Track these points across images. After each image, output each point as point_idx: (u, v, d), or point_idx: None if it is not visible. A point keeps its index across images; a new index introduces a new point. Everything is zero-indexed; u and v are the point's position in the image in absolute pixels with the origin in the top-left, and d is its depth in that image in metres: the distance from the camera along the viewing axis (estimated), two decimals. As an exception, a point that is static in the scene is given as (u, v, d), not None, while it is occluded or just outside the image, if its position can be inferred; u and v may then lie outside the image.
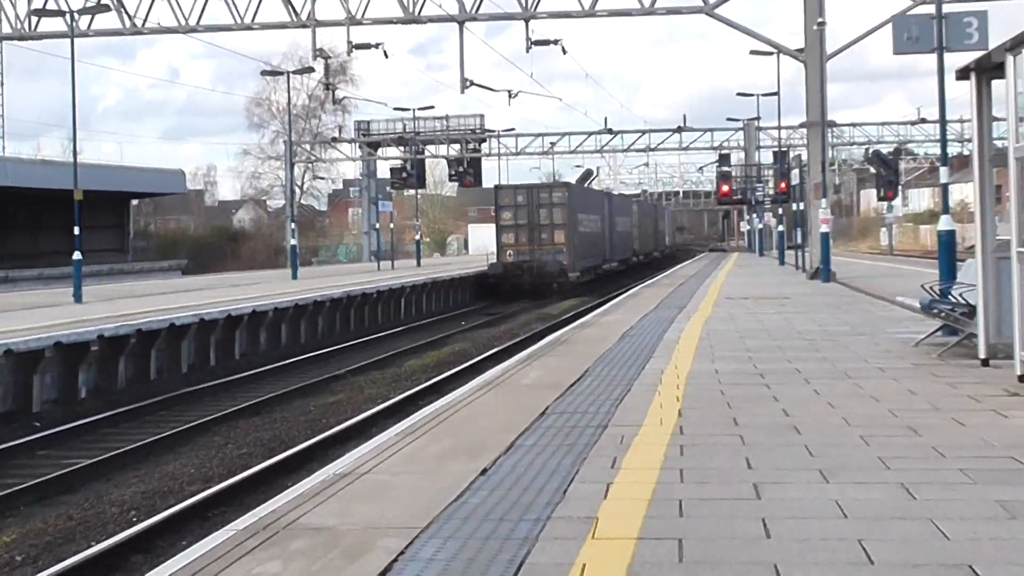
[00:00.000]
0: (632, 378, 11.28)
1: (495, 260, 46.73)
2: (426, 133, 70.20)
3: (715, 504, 6.10)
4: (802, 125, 38.93)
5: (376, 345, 27.64)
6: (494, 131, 70.04)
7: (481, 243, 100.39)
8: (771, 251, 61.24)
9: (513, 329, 30.75)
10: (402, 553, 5.38)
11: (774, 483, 6.52)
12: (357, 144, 74.31)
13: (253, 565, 5.32)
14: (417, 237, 60.68)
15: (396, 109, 62.78)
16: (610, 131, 68.75)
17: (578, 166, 79.73)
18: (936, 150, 77.41)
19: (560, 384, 10.96)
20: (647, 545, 5.37)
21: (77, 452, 14.76)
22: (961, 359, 11.89)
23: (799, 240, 38.38)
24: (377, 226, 59.95)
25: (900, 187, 58.99)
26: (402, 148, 68.08)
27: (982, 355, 11.20)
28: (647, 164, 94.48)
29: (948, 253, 15.15)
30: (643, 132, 70.20)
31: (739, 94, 57.63)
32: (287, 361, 23.92)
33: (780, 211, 52.65)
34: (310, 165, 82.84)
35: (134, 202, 67.87)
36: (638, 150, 71.59)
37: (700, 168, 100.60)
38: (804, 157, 36.82)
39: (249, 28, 36.11)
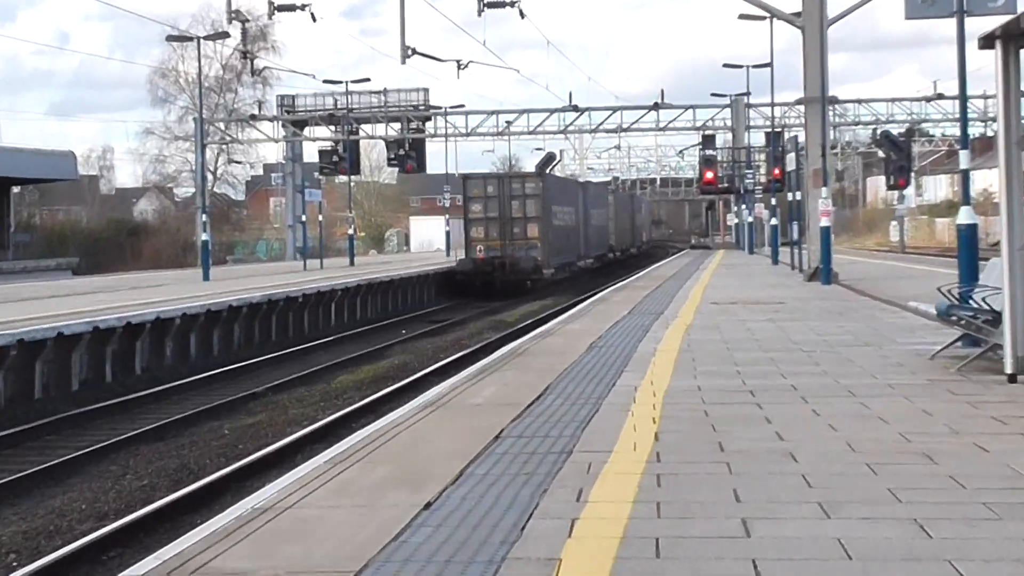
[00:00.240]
0: (601, 396, 11.31)
1: (463, 256, 48.33)
2: (361, 110, 70.17)
3: (697, 543, 6.11)
4: (799, 102, 39.18)
5: (302, 358, 27.58)
6: (440, 108, 70.01)
7: (425, 238, 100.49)
8: (762, 248, 61.59)
9: (462, 338, 30.76)
10: (331, 603, 5.36)
11: (766, 519, 6.54)
12: (280, 123, 74.13)
13: (154, 618, 5.28)
14: (350, 232, 60.57)
15: (326, 82, 62.38)
16: (575, 108, 68.89)
17: (538, 149, 79.25)
18: (955, 130, 78.59)
19: (517, 403, 10.97)
20: (619, 592, 5.37)
21: (-56, 485, 14.60)
22: (984, 374, 11.98)
23: (795, 236, 38.57)
24: (303, 219, 59.66)
25: (913, 174, 59.36)
26: (333, 128, 68.01)
27: (1009, 369, 11.27)
28: (618, 147, 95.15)
29: (969, 251, 15.25)
30: (614, 109, 70.40)
31: (726, 65, 58.12)
32: (197, 376, 23.77)
33: (773, 202, 52.98)
34: (225, 147, 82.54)
35: (15, 189, 67.28)
36: (608, 130, 71.74)
37: (680, 152, 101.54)
38: (801, 139, 37.00)
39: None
